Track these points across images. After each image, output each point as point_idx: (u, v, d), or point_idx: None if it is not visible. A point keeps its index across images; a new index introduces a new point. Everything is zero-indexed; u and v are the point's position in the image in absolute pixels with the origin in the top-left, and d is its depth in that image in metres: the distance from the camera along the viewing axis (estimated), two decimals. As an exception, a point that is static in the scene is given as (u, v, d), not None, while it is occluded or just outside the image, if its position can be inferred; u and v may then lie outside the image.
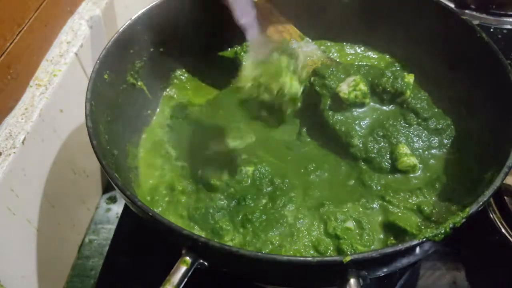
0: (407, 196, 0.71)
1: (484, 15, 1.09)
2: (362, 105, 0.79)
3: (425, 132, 0.77)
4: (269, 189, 0.73)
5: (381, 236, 0.67)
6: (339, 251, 0.66)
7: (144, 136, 0.84)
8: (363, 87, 0.77)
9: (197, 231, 0.69)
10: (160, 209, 0.73)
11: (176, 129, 0.85)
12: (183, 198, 0.74)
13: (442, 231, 0.54)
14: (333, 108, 0.78)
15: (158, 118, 0.88)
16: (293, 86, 0.69)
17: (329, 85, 0.78)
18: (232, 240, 0.68)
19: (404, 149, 0.74)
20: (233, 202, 0.71)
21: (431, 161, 0.75)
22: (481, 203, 0.55)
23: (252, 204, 0.71)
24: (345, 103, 0.77)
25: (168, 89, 0.93)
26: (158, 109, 0.90)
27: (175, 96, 0.92)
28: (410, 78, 0.79)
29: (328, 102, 0.78)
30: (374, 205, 0.71)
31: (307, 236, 0.68)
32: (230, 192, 0.72)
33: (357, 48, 0.97)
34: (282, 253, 0.65)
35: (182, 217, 0.71)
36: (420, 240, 0.52)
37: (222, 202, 0.71)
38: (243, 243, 0.67)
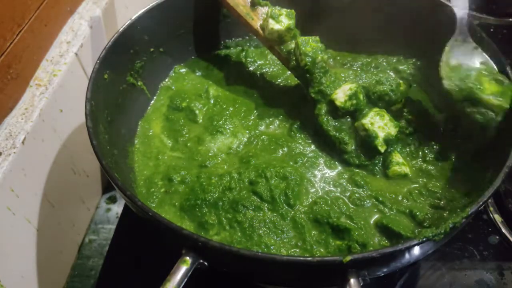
0: (399, 198, 0.70)
1: (484, 15, 1.09)
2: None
3: (419, 140, 0.77)
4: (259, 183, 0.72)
5: (375, 236, 0.67)
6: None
7: (140, 127, 0.84)
8: (359, 95, 0.77)
9: (187, 221, 0.69)
10: (156, 200, 0.72)
11: (171, 120, 0.85)
12: (180, 188, 0.73)
13: (442, 231, 0.54)
14: (328, 114, 0.78)
15: (154, 108, 0.88)
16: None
17: (325, 91, 0.78)
18: (217, 234, 0.67)
19: (397, 157, 0.74)
20: (223, 199, 0.70)
21: (424, 168, 0.75)
22: (481, 203, 0.55)
23: (242, 201, 0.70)
24: (341, 111, 0.77)
25: (166, 80, 0.93)
26: (155, 97, 0.90)
27: (173, 87, 0.92)
28: (405, 86, 0.79)
29: (324, 107, 0.78)
30: (366, 204, 0.70)
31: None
32: (222, 189, 0.71)
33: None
34: (270, 252, 0.64)
35: (174, 207, 0.71)
36: (420, 240, 0.52)
37: (210, 196, 0.70)
38: (230, 240, 0.66)
